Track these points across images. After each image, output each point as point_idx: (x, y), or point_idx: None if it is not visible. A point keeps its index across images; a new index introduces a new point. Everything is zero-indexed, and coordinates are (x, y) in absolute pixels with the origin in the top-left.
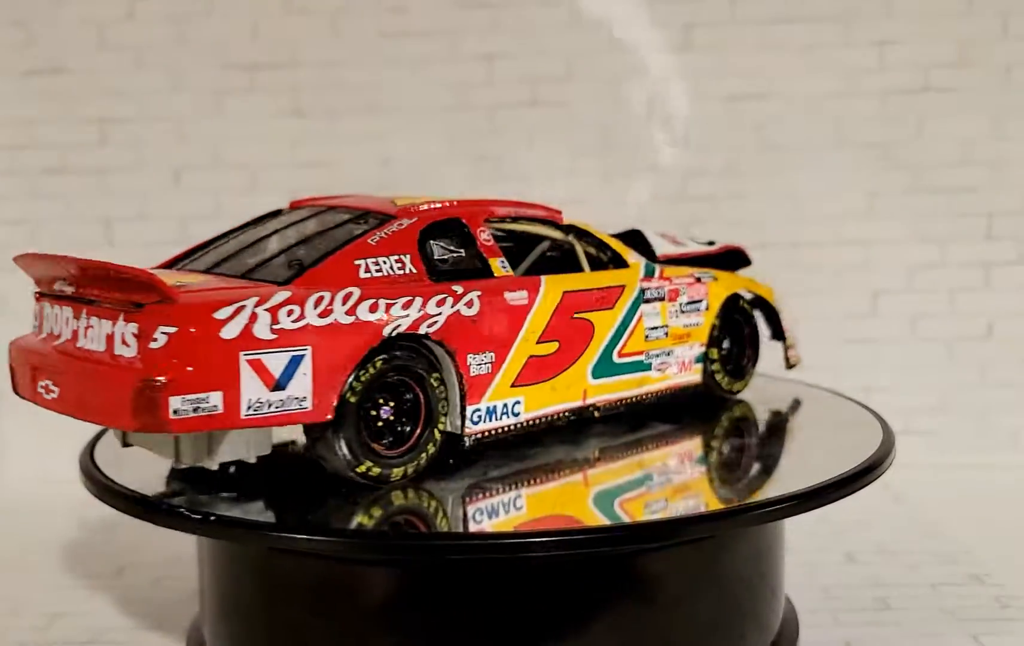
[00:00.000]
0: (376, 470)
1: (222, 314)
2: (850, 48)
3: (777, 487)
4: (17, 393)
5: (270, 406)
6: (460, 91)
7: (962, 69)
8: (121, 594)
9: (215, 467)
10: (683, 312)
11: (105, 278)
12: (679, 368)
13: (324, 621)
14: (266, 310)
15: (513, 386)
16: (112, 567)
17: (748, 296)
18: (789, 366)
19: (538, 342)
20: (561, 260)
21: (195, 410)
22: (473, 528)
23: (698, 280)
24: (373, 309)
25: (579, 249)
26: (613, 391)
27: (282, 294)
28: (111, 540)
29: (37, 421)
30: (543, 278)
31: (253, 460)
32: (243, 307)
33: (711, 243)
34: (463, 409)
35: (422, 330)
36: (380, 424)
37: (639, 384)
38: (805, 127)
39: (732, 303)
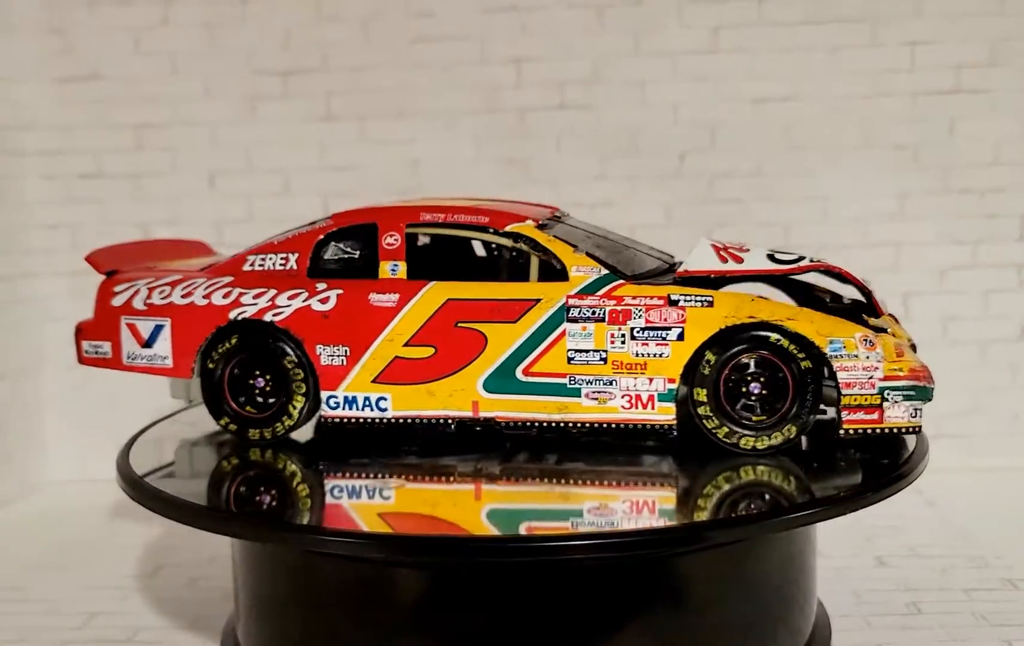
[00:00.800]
0: (233, 426)
1: (118, 289)
2: (879, 49)
3: (808, 492)
4: None
5: (142, 359)
6: (488, 94)
7: (993, 69)
8: (157, 594)
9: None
10: (634, 338)
11: None
12: (629, 402)
13: (358, 622)
14: (147, 289)
15: (375, 382)
16: (148, 567)
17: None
18: (841, 432)
19: (406, 344)
20: (518, 267)
21: (96, 352)
22: (330, 501)
23: (673, 303)
24: (226, 296)
25: (533, 257)
26: (518, 409)
27: (169, 278)
28: (148, 540)
29: (76, 422)
30: (428, 284)
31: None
32: (134, 286)
33: (798, 260)
34: (317, 394)
35: (267, 318)
36: (257, 391)
37: (559, 409)
38: (834, 129)
39: (744, 338)
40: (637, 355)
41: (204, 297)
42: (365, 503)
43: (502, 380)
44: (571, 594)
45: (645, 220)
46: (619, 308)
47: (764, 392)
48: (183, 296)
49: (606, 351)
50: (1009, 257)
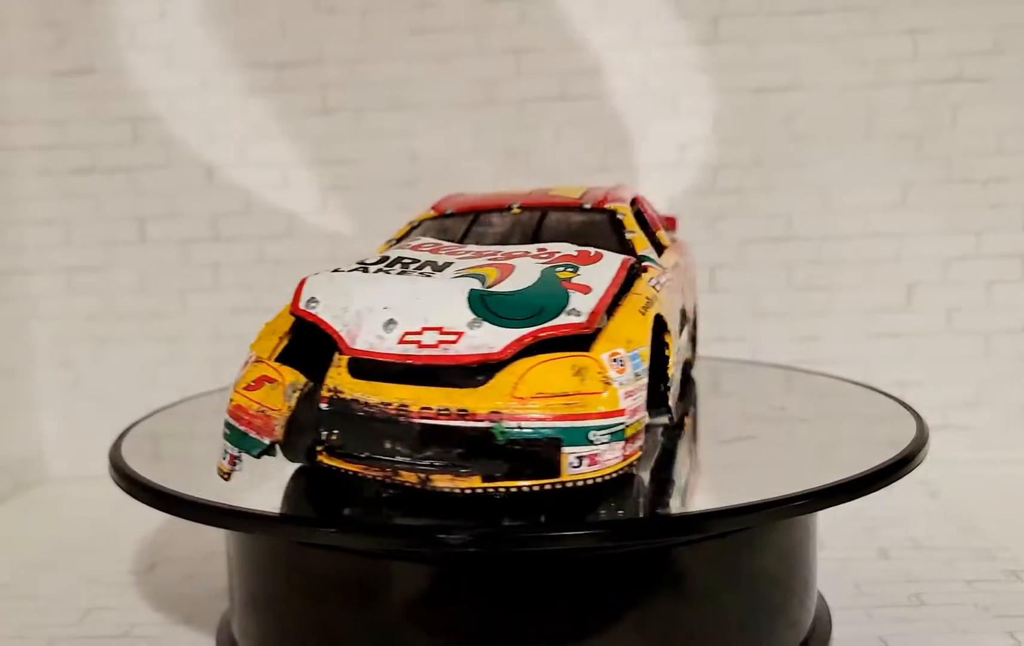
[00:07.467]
0: None
1: None
2: (880, 37)
3: (809, 480)
4: None
5: None
6: (488, 86)
7: (996, 57)
8: (153, 590)
9: None
10: None
11: None
12: None
13: (353, 617)
14: None
15: None
16: (144, 563)
17: None
18: None
19: None
20: None
21: None
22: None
23: None
24: None
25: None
26: None
27: None
28: (143, 537)
29: (71, 419)
30: None
31: None
32: None
33: None
34: None
35: None
36: None
37: None
38: (835, 118)
39: None
40: None
41: None
42: None
43: None
44: (568, 585)
45: None
46: None
47: None
48: None
49: None
50: (1013, 247)
